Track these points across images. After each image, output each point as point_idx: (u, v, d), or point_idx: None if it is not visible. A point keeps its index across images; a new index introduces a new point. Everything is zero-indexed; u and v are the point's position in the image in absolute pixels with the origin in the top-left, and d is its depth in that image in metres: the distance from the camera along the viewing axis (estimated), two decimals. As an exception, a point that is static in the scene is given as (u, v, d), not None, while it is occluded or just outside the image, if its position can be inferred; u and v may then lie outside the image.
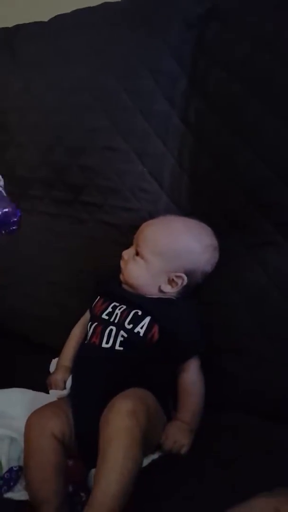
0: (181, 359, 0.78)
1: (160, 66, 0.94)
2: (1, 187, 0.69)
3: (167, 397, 0.75)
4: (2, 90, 1.09)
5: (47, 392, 0.82)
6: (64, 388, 0.80)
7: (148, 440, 0.67)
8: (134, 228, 0.93)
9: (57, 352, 0.92)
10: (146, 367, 0.76)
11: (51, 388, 0.81)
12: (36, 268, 1.07)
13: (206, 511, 0.58)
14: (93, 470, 0.67)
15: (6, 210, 0.67)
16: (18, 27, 1.11)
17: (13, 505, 0.64)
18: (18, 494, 0.66)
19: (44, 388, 0.83)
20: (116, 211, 0.99)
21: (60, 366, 0.85)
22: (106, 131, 0.97)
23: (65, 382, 0.81)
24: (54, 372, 0.84)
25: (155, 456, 0.68)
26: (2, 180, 0.70)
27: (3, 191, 0.70)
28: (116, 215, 0.99)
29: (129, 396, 0.68)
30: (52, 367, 0.89)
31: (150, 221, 0.88)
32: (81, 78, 1.00)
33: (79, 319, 0.94)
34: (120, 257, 0.91)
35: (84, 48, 0.99)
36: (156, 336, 0.78)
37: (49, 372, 0.89)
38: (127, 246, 0.91)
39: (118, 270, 0.92)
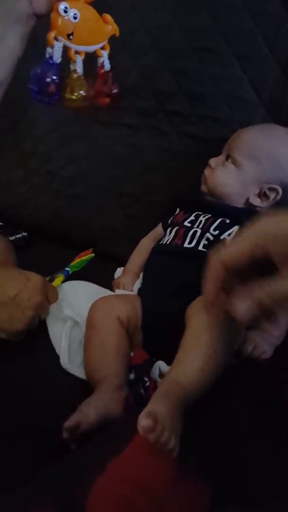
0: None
1: None
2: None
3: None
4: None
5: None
6: (132, 291, 0.75)
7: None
8: (222, 141, 0.86)
9: (122, 262, 0.87)
10: None
11: (118, 289, 0.75)
12: (109, 179, 1.02)
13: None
14: (158, 362, 0.61)
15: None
16: None
17: (70, 380, 0.59)
18: (77, 369, 0.61)
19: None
20: (203, 122, 0.92)
21: (128, 271, 0.79)
22: (206, 30, 0.88)
23: (133, 285, 0.75)
24: (121, 276, 0.79)
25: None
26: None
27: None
28: (203, 126, 0.92)
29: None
30: (117, 275, 0.84)
31: (247, 127, 0.80)
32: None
33: (148, 232, 0.88)
34: (202, 171, 0.83)
35: None
36: None
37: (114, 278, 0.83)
38: (211, 161, 0.83)
39: (199, 184, 0.84)
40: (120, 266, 0.87)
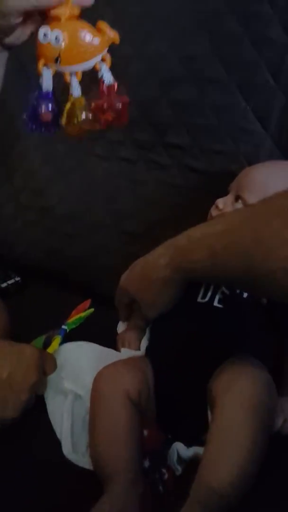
0: None
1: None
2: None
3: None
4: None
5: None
6: (139, 349, 0.68)
7: None
8: (226, 175, 0.80)
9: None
10: (250, 332, 0.62)
11: (123, 347, 0.69)
12: (107, 216, 0.96)
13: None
14: (176, 444, 0.54)
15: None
16: None
17: (76, 471, 0.52)
18: (82, 459, 0.54)
19: (113, 345, 0.72)
20: (206, 155, 0.86)
21: (133, 324, 0.72)
22: (205, 59, 0.83)
23: (140, 342, 0.68)
24: (126, 330, 0.72)
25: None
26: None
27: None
28: (205, 160, 0.86)
29: (258, 364, 0.55)
30: (120, 329, 0.77)
31: (257, 164, 0.74)
32: (183, 2, 0.85)
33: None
34: (207, 206, 0.78)
35: None
36: (265, 299, 0.63)
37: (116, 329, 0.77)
38: (215, 195, 0.77)
39: (203, 221, 0.78)
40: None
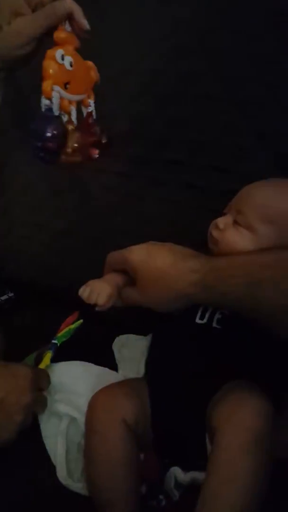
0: None
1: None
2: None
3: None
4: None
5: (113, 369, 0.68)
6: (106, 301, 0.62)
7: None
8: (225, 192, 0.79)
9: (122, 326, 0.79)
10: (250, 354, 0.60)
11: (90, 297, 0.63)
12: (103, 232, 0.94)
13: None
14: (173, 469, 0.52)
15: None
16: None
17: (69, 497, 0.50)
18: (77, 485, 0.52)
19: (107, 362, 0.70)
20: (205, 171, 0.85)
21: (110, 278, 0.65)
22: (203, 76, 0.82)
23: (110, 300, 0.63)
24: (100, 280, 0.65)
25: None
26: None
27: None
28: (204, 176, 0.85)
29: (259, 393, 0.52)
30: (116, 347, 0.75)
31: (257, 183, 0.72)
32: (181, 18, 0.85)
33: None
34: (206, 224, 0.76)
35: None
36: None
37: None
38: (215, 213, 0.75)
39: (201, 238, 0.77)
40: (119, 330, 0.79)
